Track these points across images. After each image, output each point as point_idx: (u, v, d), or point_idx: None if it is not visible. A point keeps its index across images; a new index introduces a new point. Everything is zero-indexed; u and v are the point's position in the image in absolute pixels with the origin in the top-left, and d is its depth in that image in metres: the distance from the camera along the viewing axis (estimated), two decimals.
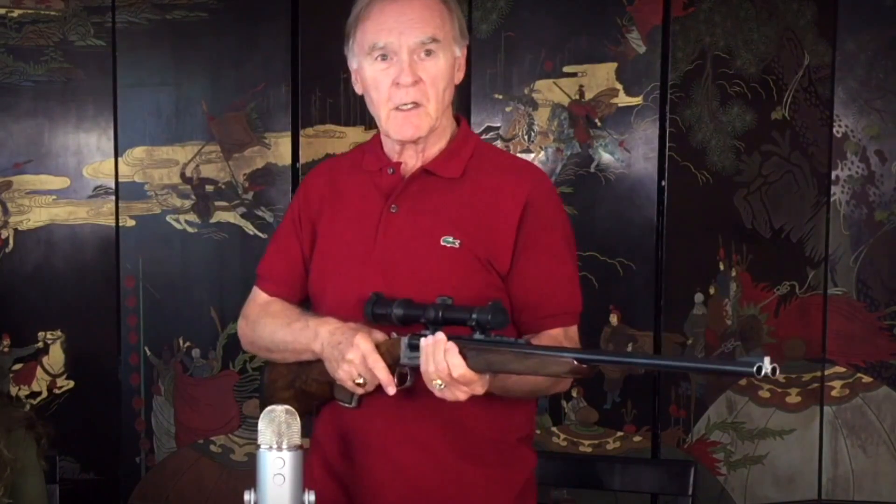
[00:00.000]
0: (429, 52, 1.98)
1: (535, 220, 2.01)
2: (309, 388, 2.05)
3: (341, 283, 2.05)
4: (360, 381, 1.93)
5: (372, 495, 2.04)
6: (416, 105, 1.98)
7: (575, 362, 1.77)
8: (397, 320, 1.92)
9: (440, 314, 1.86)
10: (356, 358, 1.91)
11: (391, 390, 1.91)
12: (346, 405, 2.01)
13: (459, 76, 2.06)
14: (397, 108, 1.99)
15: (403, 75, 1.96)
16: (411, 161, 2.06)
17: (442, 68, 1.99)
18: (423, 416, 1.99)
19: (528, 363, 1.81)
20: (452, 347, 1.80)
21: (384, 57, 1.99)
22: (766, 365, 1.61)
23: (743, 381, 3.44)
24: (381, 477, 2.03)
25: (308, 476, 2.09)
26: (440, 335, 1.82)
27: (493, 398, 1.98)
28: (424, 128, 2.00)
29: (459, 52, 2.04)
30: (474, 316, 1.82)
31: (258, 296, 2.19)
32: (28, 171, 3.16)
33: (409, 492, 2.02)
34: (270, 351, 2.14)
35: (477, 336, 1.83)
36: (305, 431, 2.15)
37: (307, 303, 2.15)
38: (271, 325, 2.12)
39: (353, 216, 2.08)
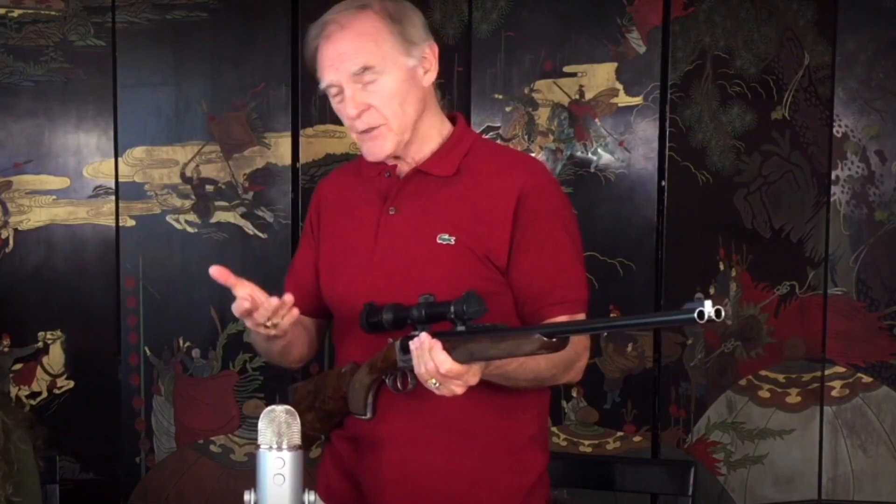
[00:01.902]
0: (369, 80, 1.99)
1: (531, 211, 2.01)
2: (327, 406, 2.08)
3: (346, 288, 2.08)
4: (268, 323, 1.95)
5: (381, 494, 2.06)
6: (377, 126, 2.02)
7: (544, 338, 1.79)
8: (388, 325, 1.95)
9: (423, 313, 1.89)
10: (237, 306, 1.94)
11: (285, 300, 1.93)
12: (362, 417, 2.03)
13: (429, 77, 2.06)
14: (361, 134, 2.04)
15: (348, 108, 2.01)
16: (405, 165, 2.08)
17: (388, 88, 2.00)
18: (431, 416, 2.01)
19: (503, 346, 1.82)
20: (436, 345, 1.82)
21: (337, 92, 2.03)
22: (708, 308, 1.57)
23: (743, 382, 3.44)
24: (390, 476, 2.04)
25: (322, 473, 2.12)
26: (423, 336, 1.84)
27: (502, 397, 1.99)
28: (389, 147, 2.03)
29: (414, 62, 2.02)
30: (452, 309, 1.84)
31: None
32: (28, 171, 3.16)
33: (418, 491, 2.03)
34: (260, 349, 2.18)
35: (459, 328, 1.84)
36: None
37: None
38: None
39: (355, 221, 2.10)
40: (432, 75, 2.06)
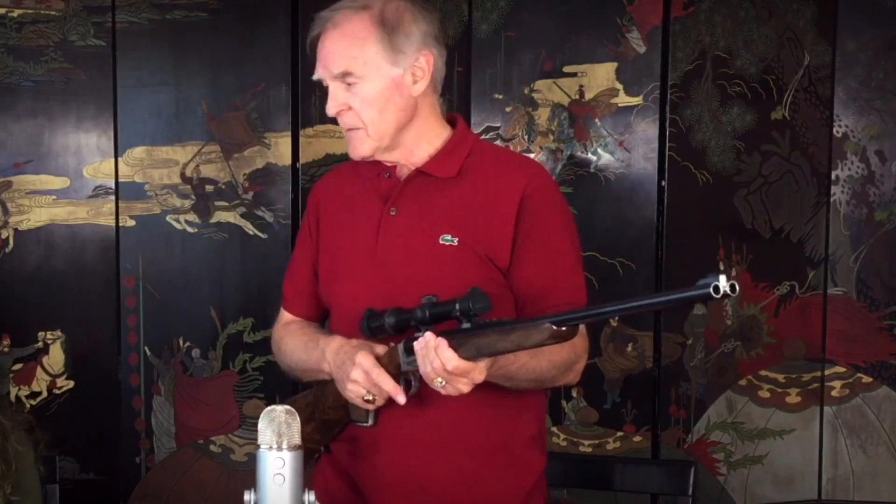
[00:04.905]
0: (351, 82, 1.99)
1: (533, 214, 2.01)
2: (327, 416, 2.06)
3: (347, 289, 2.07)
4: (369, 397, 1.95)
5: (381, 496, 2.05)
6: (356, 129, 2.02)
7: (553, 327, 1.77)
8: (391, 329, 1.94)
9: (427, 313, 1.88)
10: (359, 376, 1.94)
11: (401, 399, 1.93)
12: (364, 425, 2.02)
13: (419, 87, 2.01)
14: (345, 130, 2.05)
15: (328, 107, 2.02)
16: (404, 167, 2.07)
17: (368, 94, 1.99)
18: (432, 418, 2.00)
19: (511, 338, 1.81)
20: (441, 342, 1.81)
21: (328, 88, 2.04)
22: (723, 283, 1.57)
23: (743, 381, 3.44)
24: (389, 478, 2.03)
25: (319, 476, 2.12)
26: (428, 335, 1.83)
27: (501, 398, 1.99)
28: (365, 150, 2.03)
29: (400, 71, 1.99)
30: (457, 306, 1.84)
31: (283, 316, 2.23)
32: (28, 171, 3.16)
33: (418, 492, 2.03)
34: (293, 370, 2.17)
35: (465, 326, 1.84)
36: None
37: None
38: (291, 344, 2.16)
39: (355, 222, 2.09)
40: (423, 84, 2.01)
